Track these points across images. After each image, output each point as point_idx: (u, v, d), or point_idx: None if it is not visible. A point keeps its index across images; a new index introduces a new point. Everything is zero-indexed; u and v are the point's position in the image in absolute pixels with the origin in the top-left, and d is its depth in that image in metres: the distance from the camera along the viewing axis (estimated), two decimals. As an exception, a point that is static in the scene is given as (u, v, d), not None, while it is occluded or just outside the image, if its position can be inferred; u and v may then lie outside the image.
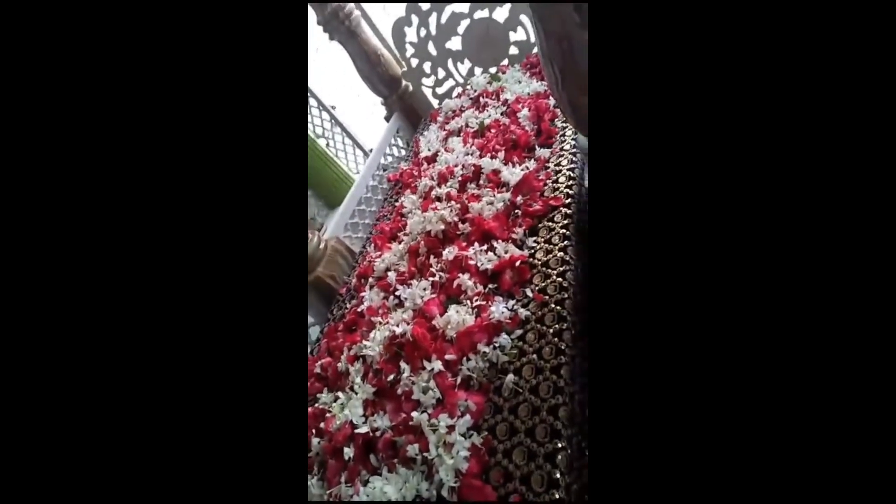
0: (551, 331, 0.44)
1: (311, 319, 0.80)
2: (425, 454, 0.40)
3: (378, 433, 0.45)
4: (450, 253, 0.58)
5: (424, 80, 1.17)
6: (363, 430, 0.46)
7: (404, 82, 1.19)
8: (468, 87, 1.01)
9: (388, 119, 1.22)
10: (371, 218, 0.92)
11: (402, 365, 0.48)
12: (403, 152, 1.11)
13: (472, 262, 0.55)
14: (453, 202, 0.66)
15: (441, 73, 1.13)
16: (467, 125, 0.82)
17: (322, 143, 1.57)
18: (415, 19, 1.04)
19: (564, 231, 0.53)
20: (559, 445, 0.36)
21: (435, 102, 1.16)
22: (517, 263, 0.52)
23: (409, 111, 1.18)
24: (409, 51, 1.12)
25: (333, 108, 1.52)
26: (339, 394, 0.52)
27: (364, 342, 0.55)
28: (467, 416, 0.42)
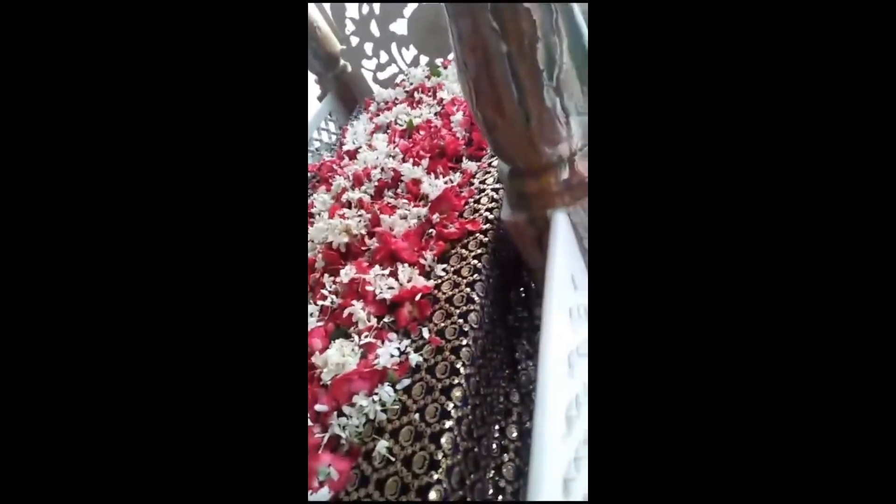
0: (440, 386, 0.38)
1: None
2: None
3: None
4: (347, 273, 0.49)
5: (365, 62, 1.06)
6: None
7: (342, 61, 1.07)
8: (405, 78, 0.92)
9: (320, 99, 1.10)
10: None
11: (265, 411, 0.40)
12: (334, 138, 1.00)
13: (369, 288, 0.47)
14: (364, 211, 0.57)
15: (384, 58, 1.03)
16: (396, 121, 0.74)
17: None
18: (357, -8, 0.94)
19: (476, 262, 0.47)
20: (424, 538, 0.30)
21: (376, 89, 1.06)
22: (418, 296, 0.45)
23: (345, 93, 1.07)
24: (350, 27, 1.01)
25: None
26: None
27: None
28: (325, 489, 0.34)
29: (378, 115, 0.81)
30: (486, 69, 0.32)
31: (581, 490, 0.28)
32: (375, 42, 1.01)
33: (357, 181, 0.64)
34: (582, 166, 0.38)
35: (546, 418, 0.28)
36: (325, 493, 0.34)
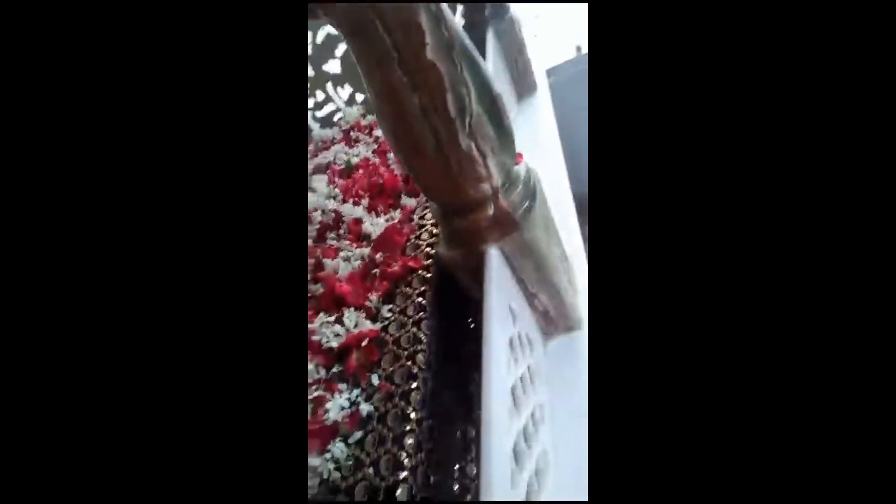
0: (392, 435, 0.37)
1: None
2: None
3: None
4: (291, 325, 0.48)
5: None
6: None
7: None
8: (342, 116, 0.92)
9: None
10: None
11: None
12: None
13: (315, 338, 0.46)
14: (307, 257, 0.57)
15: (320, 96, 1.04)
16: (335, 161, 0.74)
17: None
18: (285, 35, 0.94)
19: (421, 300, 0.47)
20: None
21: (315, 127, 1.06)
22: (365, 342, 0.44)
23: (285, 134, 1.06)
24: (282, 68, 1.01)
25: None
26: None
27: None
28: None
29: (317, 154, 0.81)
30: (401, 120, 0.33)
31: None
32: (311, 81, 1.02)
33: (298, 226, 0.63)
34: (504, 202, 0.39)
35: (492, 456, 0.28)
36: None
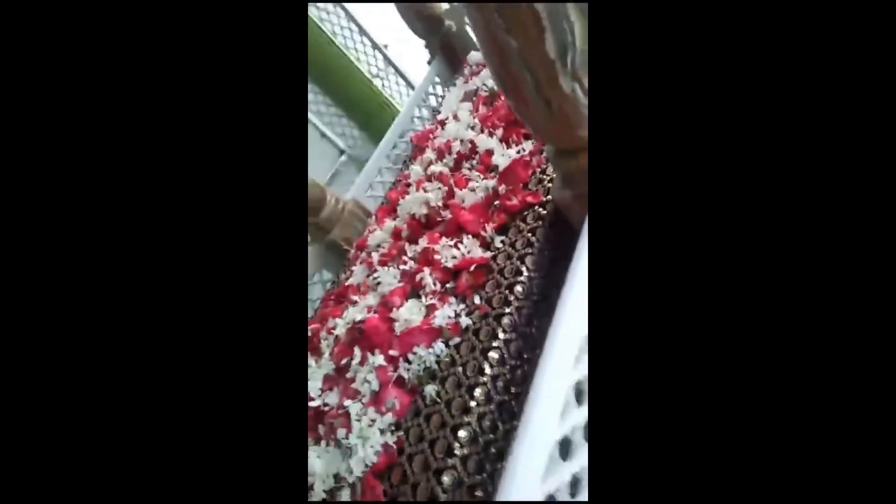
0: (480, 347, 0.44)
1: (329, 276, 0.87)
2: (346, 441, 0.45)
3: (327, 409, 0.51)
4: (422, 243, 0.57)
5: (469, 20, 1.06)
6: (316, 402, 0.52)
7: (447, 22, 1.09)
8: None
9: (430, 63, 1.15)
10: (394, 177, 0.92)
11: (356, 350, 0.52)
12: (441, 102, 1.06)
13: (437, 257, 0.54)
14: (442, 184, 0.63)
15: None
16: (483, 87, 0.75)
17: (378, 83, 1.55)
18: (453, -50, 0.93)
19: (531, 236, 0.49)
20: (449, 464, 0.38)
21: (473, 50, 1.06)
22: (473, 267, 0.50)
23: (451, 56, 1.10)
24: (449, -14, 1.01)
25: (385, 46, 1.47)
26: (312, 362, 0.59)
27: (338, 319, 0.59)
28: (390, 415, 0.45)
29: (469, 80, 0.83)
30: (502, 63, 0.34)
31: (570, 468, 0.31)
32: None
33: (439, 154, 0.69)
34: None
35: (539, 403, 0.31)
36: (389, 419, 0.45)
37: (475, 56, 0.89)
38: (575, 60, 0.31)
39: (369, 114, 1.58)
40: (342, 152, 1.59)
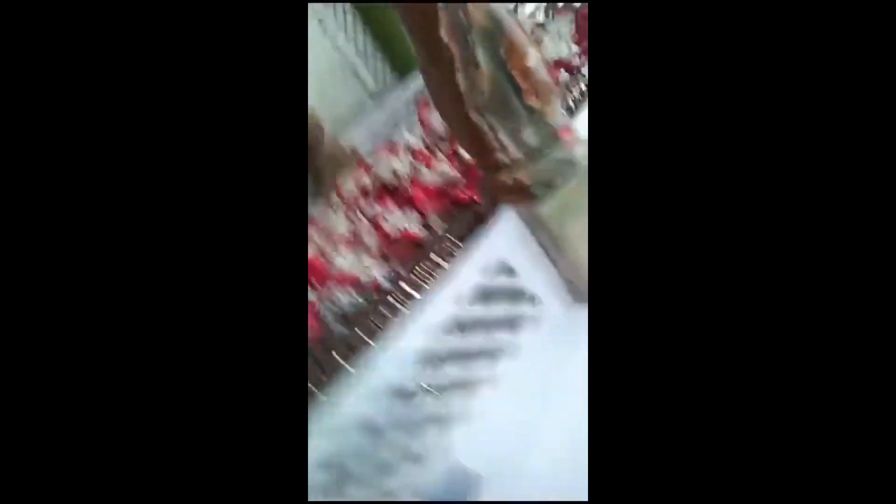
0: (388, 311, 0.53)
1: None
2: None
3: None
4: (377, 206, 0.65)
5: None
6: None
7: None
8: None
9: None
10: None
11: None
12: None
13: (384, 223, 0.62)
14: (413, 159, 0.69)
15: None
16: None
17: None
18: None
19: (467, 231, 0.56)
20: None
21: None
22: (408, 241, 0.58)
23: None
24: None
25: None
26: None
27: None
28: (305, 341, 0.55)
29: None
30: (431, 87, 0.40)
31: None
32: None
33: (427, 131, 0.74)
34: (521, 175, 0.42)
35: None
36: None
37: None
38: (482, 100, 0.37)
39: (406, 56, 1.50)
40: (372, 94, 1.57)
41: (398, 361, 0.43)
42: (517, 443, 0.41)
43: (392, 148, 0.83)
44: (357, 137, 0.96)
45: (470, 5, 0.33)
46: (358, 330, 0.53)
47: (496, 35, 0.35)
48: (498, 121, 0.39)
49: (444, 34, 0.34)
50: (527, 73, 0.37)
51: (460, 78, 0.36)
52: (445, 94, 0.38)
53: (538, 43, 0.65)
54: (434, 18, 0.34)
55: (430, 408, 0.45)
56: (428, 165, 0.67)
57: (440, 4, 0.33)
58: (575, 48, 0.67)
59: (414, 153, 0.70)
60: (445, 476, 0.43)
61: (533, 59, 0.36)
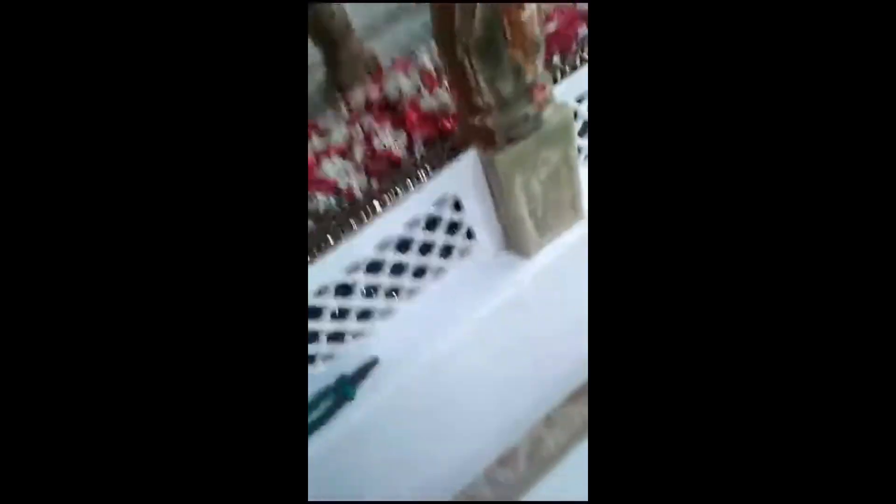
0: (355, 219, 0.58)
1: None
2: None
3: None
4: (372, 121, 0.68)
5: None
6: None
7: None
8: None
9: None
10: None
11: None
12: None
13: (375, 138, 0.65)
14: (420, 80, 0.70)
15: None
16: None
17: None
18: None
19: (443, 159, 0.59)
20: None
21: None
22: (388, 160, 0.61)
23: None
24: None
25: None
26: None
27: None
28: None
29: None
30: (435, 20, 0.41)
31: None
32: None
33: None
34: (490, 121, 0.45)
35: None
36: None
37: None
38: (469, 41, 0.39)
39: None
40: (406, 6, 1.51)
41: (347, 263, 0.50)
42: (421, 338, 0.49)
43: (405, 65, 0.83)
44: (380, 48, 0.95)
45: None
46: (323, 230, 0.58)
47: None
48: (480, 65, 0.41)
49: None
50: (519, 26, 0.39)
51: (457, 14, 0.38)
52: (441, 27, 0.40)
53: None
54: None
55: (360, 303, 0.53)
56: (430, 90, 0.68)
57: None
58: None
59: (422, 75, 0.71)
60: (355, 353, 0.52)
61: (527, 13, 0.38)
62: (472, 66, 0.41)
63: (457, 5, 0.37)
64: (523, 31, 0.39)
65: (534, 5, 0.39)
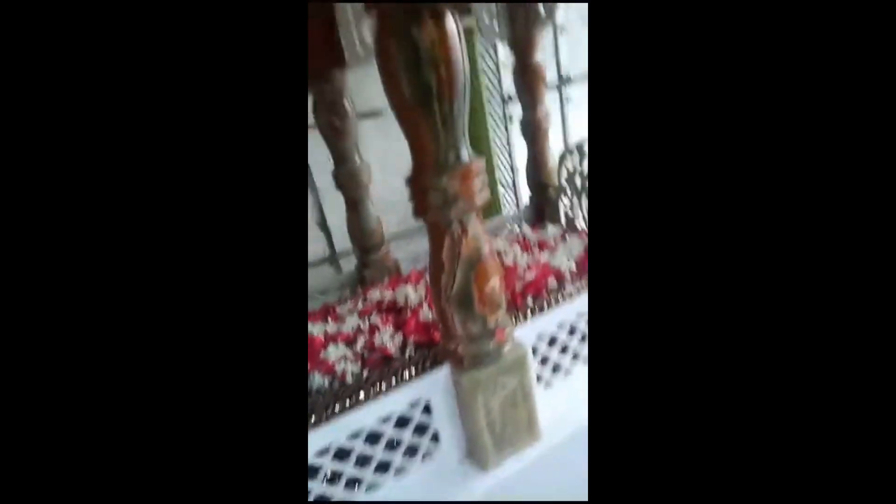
0: (342, 401, 0.67)
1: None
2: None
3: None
4: (377, 318, 0.83)
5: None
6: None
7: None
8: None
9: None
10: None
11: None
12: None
13: (375, 336, 0.79)
14: (423, 293, 0.88)
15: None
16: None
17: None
18: None
19: (423, 363, 0.71)
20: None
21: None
22: (381, 356, 0.74)
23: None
24: None
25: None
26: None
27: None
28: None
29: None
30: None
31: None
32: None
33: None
34: (460, 347, 0.58)
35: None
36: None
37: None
38: (450, 297, 0.55)
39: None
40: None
41: (320, 446, 0.56)
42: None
43: (417, 277, 1.03)
44: (402, 255, 1.18)
45: (467, 242, 0.53)
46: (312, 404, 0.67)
47: (475, 260, 0.54)
48: (456, 311, 0.57)
49: (444, 257, 0.54)
50: (485, 290, 0.55)
51: (444, 280, 0.55)
52: (434, 281, 0.57)
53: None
54: (440, 238, 0.54)
55: (322, 488, 0.57)
56: (430, 305, 0.85)
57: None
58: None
59: (427, 291, 0.90)
60: None
61: (491, 285, 0.55)
62: (451, 312, 0.57)
63: (443, 274, 0.55)
64: (488, 293, 0.55)
65: (498, 280, 0.56)
